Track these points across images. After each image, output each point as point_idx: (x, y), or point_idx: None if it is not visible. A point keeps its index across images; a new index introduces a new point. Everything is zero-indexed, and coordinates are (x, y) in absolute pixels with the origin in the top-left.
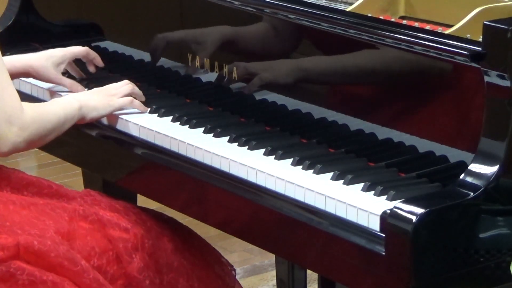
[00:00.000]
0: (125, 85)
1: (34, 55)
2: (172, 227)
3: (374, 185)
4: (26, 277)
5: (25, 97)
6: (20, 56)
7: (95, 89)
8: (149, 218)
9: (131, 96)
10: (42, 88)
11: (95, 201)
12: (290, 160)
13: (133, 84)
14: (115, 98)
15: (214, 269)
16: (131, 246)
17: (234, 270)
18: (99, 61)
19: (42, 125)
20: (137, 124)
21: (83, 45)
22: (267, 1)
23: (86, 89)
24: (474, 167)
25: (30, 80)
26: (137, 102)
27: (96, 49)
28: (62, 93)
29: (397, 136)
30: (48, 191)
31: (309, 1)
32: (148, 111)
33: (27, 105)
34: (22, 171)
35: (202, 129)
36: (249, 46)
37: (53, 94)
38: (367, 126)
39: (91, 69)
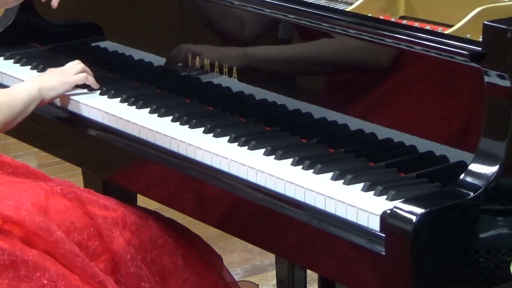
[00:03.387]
0: (77, 64)
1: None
2: (157, 215)
3: (374, 185)
4: (7, 257)
5: None
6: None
7: (49, 69)
8: (131, 205)
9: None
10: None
11: (73, 184)
12: (290, 160)
13: (83, 65)
14: (70, 75)
15: (200, 251)
16: (110, 221)
17: (221, 259)
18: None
19: (13, 108)
20: (137, 124)
21: (83, 45)
22: (267, 1)
23: (86, 89)
24: (474, 167)
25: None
26: (91, 78)
27: (96, 49)
28: None
29: (397, 136)
30: (24, 170)
31: (309, 1)
32: (98, 88)
33: None
34: None
35: (202, 129)
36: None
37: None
38: (367, 126)
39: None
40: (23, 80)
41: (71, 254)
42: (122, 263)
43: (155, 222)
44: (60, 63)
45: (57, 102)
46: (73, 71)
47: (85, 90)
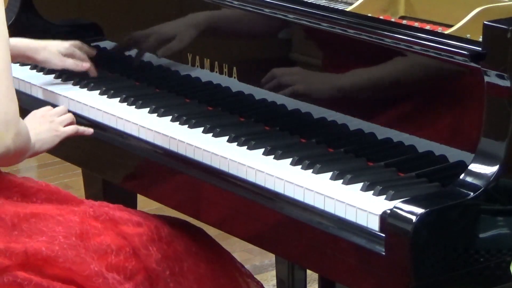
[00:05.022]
0: (65, 114)
1: (35, 40)
2: (185, 225)
3: (373, 184)
4: (33, 287)
5: None
6: (21, 39)
7: (37, 114)
8: (161, 216)
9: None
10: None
11: (103, 203)
12: (290, 159)
13: (71, 114)
14: (60, 127)
15: (231, 260)
16: (146, 238)
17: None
18: (93, 73)
19: (27, 141)
20: (137, 124)
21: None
22: (267, 1)
23: (86, 88)
24: (474, 167)
25: None
26: (81, 129)
27: (96, 49)
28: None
29: (397, 135)
30: (57, 196)
31: (309, 1)
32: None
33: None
34: (31, 178)
35: (202, 128)
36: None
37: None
38: (367, 126)
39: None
40: (22, 80)
41: (106, 286)
42: (161, 279)
43: (186, 231)
44: None
45: (57, 102)
46: (63, 122)
47: (85, 90)
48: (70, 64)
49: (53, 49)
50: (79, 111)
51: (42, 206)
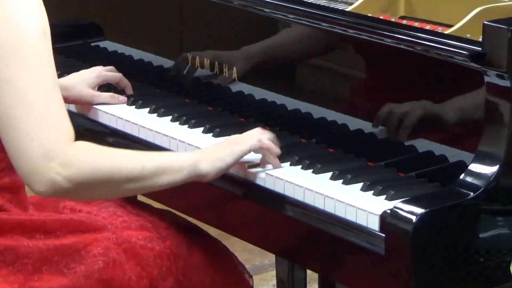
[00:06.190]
0: (260, 131)
1: (65, 78)
2: (201, 238)
3: (373, 184)
4: None
5: None
6: None
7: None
8: (180, 230)
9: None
10: None
11: (124, 223)
12: (290, 159)
13: (268, 131)
14: (246, 142)
15: (245, 281)
16: (165, 270)
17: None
18: (129, 90)
19: (99, 168)
20: (137, 124)
21: (83, 45)
22: (267, 1)
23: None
24: (474, 167)
25: None
26: (274, 149)
27: (96, 49)
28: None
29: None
30: (80, 227)
31: (309, 1)
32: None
33: (82, 143)
34: (54, 213)
35: (202, 129)
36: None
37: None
38: (367, 126)
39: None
40: None
41: None
42: None
43: (203, 254)
44: (59, 64)
45: None
46: (254, 138)
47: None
48: (105, 98)
49: (82, 86)
50: (79, 111)
51: (66, 239)
